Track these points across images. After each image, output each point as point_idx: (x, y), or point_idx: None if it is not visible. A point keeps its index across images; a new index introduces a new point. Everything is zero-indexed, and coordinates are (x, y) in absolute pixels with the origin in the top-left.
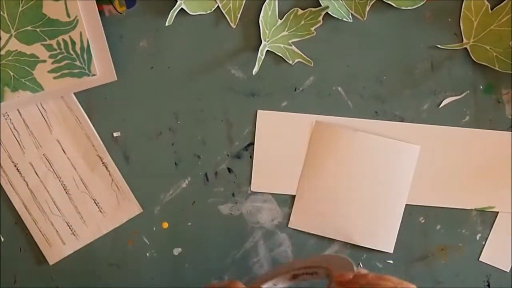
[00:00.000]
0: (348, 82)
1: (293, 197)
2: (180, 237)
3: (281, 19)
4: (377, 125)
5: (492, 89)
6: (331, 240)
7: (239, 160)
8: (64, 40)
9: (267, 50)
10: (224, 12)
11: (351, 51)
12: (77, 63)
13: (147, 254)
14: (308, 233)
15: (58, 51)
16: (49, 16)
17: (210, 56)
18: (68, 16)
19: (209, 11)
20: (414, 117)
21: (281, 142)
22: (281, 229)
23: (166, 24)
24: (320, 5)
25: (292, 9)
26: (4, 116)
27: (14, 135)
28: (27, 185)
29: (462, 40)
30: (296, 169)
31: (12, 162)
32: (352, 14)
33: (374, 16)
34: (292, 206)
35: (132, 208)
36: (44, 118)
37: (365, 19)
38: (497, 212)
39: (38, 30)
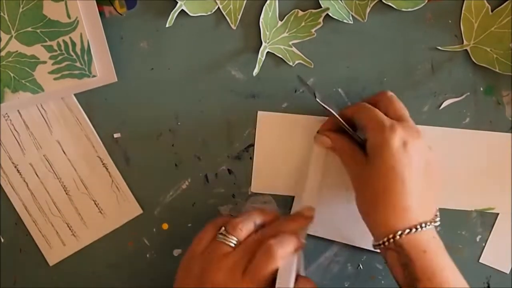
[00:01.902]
0: (349, 84)
1: (293, 198)
2: (180, 238)
3: (281, 21)
4: None
5: (492, 90)
6: (330, 241)
7: (239, 161)
8: (64, 41)
9: (268, 52)
10: (224, 13)
11: (351, 52)
12: (78, 64)
13: (147, 255)
14: (308, 234)
15: (59, 52)
16: (49, 17)
17: (210, 57)
18: (69, 17)
19: (209, 13)
20: (414, 119)
21: (282, 143)
22: None
23: (167, 25)
24: (321, 7)
25: (293, 11)
26: (4, 117)
27: (14, 136)
28: (27, 186)
29: (463, 42)
30: (296, 170)
31: (12, 163)
32: (352, 15)
33: (375, 17)
34: (292, 207)
35: (132, 209)
36: (45, 119)
37: (365, 20)
38: (497, 214)
39: (38, 31)
